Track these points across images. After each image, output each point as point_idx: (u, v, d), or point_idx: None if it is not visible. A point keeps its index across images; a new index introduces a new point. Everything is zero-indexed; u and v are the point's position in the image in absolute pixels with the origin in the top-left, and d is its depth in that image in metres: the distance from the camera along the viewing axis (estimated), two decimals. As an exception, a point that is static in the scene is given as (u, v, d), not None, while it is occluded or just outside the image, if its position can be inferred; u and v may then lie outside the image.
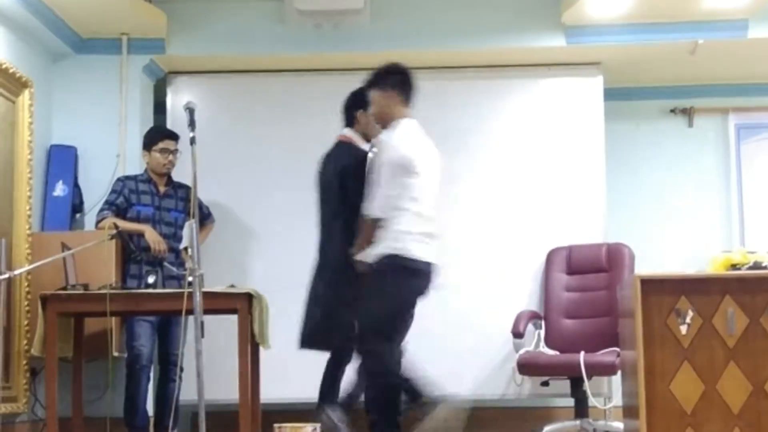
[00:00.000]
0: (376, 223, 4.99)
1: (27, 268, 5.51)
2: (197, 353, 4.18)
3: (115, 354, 5.71)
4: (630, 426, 4.95)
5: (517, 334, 6.06)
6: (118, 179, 6.05)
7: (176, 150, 5.97)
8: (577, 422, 5.93)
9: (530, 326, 6.24)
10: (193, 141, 4.37)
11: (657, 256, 6.62)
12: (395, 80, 5.19)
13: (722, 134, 7.25)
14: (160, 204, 5.95)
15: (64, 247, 5.26)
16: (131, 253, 5.60)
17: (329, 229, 5.35)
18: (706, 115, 7.28)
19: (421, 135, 5.14)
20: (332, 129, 6.66)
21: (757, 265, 4.87)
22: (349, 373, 5.26)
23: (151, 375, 5.96)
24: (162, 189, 5.99)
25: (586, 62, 6.73)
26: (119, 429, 5.70)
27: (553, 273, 6.38)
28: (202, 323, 4.20)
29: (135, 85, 6.51)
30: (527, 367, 6.00)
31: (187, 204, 5.91)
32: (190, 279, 4.26)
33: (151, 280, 5.39)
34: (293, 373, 6.36)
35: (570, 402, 6.01)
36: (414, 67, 6.71)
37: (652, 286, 4.68)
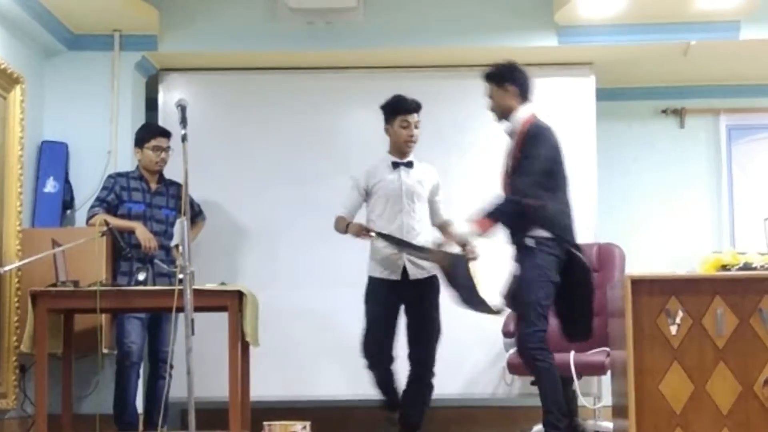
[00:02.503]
0: None
1: (17, 264, 5.49)
2: (187, 350, 4.17)
3: (105, 351, 5.70)
4: (619, 426, 4.95)
5: (508, 334, 6.04)
6: (110, 176, 6.04)
7: (168, 147, 5.96)
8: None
9: (521, 325, 6.22)
10: (184, 138, 4.36)
11: (647, 257, 6.63)
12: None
13: (713, 135, 7.26)
14: (151, 201, 5.93)
15: (55, 243, 5.24)
16: (122, 250, 5.59)
17: None
18: (697, 115, 7.29)
19: None
20: (324, 126, 6.68)
21: (747, 266, 4.87)
22: None
23: (141, 372, 5.96)
24: (153, 186, 5.97)
25: (578, 62, 6.73)
26: (109, 426, 5.69)
27: (544, 272, 6.36)
28: (192, 320, 4.20)
29: (127, 82, 6.49)
30: (517, 366, 5.98)
31: (178, 201, 5.89)
32: (180, 276, 4.26)
33: (141, 277, 5.38)
34: (283, 371, 6.37)
35: (560, 401, 6.01)
36: (406, 66, 6.78)
37: (642, 286, 4.69)
